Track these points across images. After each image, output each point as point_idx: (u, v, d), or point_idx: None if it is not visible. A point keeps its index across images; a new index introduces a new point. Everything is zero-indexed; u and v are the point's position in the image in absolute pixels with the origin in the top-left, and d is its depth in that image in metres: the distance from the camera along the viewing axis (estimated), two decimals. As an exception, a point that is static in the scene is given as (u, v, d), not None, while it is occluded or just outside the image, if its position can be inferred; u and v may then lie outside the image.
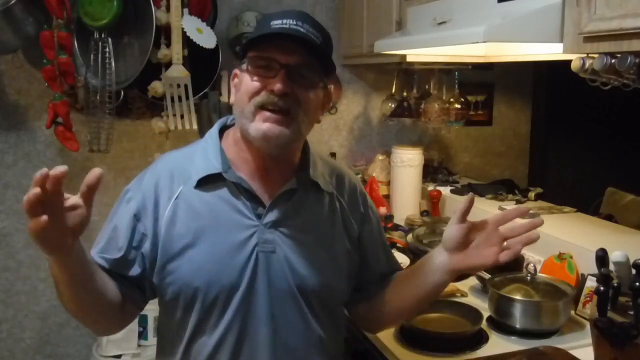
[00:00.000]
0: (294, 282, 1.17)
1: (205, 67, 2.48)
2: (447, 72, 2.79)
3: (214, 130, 1.25)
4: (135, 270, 1.18)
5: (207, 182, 1.17)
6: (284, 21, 1.10)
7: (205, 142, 1.24)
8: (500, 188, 2.60)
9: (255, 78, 1.12)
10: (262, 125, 1.10)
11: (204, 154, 1.21)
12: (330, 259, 1.22)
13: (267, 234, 1.16)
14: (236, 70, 1.19)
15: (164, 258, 1.15)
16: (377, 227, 1.38)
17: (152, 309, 2.48)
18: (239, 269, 1.14)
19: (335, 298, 1.26)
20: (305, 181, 1.22)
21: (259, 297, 1.15)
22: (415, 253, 2.14)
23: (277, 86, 1.09)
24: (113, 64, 2.34)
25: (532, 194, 2.47)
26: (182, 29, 2.34)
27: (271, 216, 1.17)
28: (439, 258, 1.19)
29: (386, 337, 1.60)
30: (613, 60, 1.32)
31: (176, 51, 2.33)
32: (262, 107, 1.10)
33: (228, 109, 2.18)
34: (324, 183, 1.25)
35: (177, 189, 1.18)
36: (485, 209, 2.36)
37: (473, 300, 1.83)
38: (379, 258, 1.35)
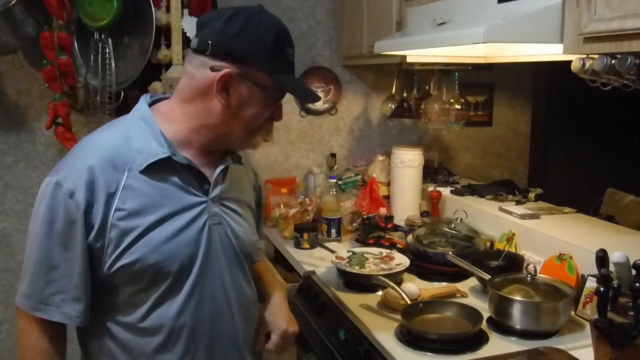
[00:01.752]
0: (238, 246, 1.33)
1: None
2: (447, 73, 2.79)
3: (146, 112, 1.26)
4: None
5: (153, 166, 1.20)
6: (292, 53, 1.26)
7: (137, 124, 1.24)
8: (500, 189, 2.60)
9: (269, 109, 1.26)
10: (253, 146, 1.35)
11: (142, 137, 1.22)
12: (250, 223, 1.40)
13: (213, 207, 1.27)
14: (232, 73, 1.19)
15: (121, 245, 1.18)
16: (261, 195, 1.59)
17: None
18: (195, 241, 1.24)
19: (254, 253, 1.47)
20: (234, 157, 1.36)
21: (214, 263, 1.27)
22: (415, 254, 2.14)
23: (281, 117, 1.31)
24: (113, 64, 2.34)
25: (532, 195, 2.47)
26: (182, 29, 2.34)
27: (216, 191, 1.28)
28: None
29: (386, 337, 1.60)
30: (613, 61, 1.32)
31: (176, 52, 2.34)
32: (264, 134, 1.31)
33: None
34: (244, 157, 1.43)
35: (122, 177, 1.18)
36: (486, 209, 2.36)
37: (473, 301, 1.83)
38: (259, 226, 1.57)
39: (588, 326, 1.55)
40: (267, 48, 1.19)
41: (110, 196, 1.17)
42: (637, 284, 1.24)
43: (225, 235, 1.30)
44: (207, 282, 1.27)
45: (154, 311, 1.23)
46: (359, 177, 2.91)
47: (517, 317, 1.60)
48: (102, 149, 1.20)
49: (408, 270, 2.02)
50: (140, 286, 1.22)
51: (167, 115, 1.25)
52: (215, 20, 1.20)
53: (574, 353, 1.47)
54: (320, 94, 2.90)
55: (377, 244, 2.34)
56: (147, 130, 1.22)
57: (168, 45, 2.36)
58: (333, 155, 2.95)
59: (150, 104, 1.29)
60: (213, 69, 1.19)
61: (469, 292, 1.92)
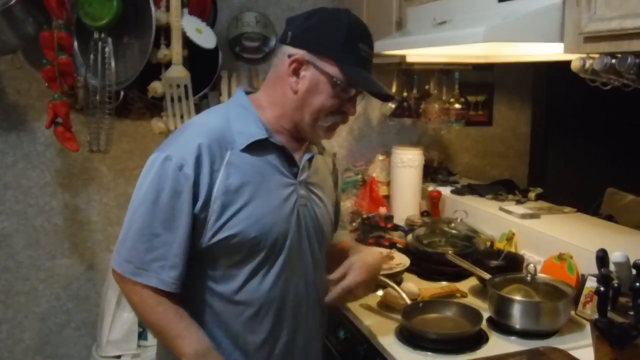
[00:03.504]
0: (320, 228, 1.45)
1: (205, 68, 2.48)
2: (447, 73, 2.79)
3: (244, 100, 1.39)
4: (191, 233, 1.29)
5: (252, 147, 1.32)
6: (367, 50, 1.33)
7: (237, 110, 1.37)
8: (500, 188, 2.60)
9: (337, 100, 1.33)
10: (324, 135, 1.41)
11: (243, 121, 1.34)
12: (329, 211, 1.51)
13: (301, 190, 1.40)
14: (303, 58, 1.30)
15: (222, 218, 1.28)
16: (339, 189, 1.69)
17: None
18: (287, 218, 1.36)
19: (330, 240, 1.57)
20: (318, 148, 1.52)
21: (302, 241, 1.40)
22: (415, 253, 2.14)
23: (353, 111, 1.38)
24: (113, 64, 2.33)
25: (532, 194, 2.47)
26: (182, 29, 2.33)
27: (303, 176, 1.40)
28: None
29: (386, 337, 1.60)
30: (613, 61, 1.32)
31: (176, 51, 2.33)
32: (333, 125, 1.38)
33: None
34: (326, 151, 1.59)
35: (225, 154, 1.30)
36: (486, 209, 2.36)
37: (473, 301, 1.83)
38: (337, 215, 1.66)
39: (588, 326, 1.55)
40: (338, 39, 1.29)
41: (215, 171, 1.28)
42: (637, 284, 1.24)
43: (310, 217, 1.41)
44: (296, 259, 1.38)
45: (248, 284, 1.33)
46: (359, 176, 2.91)
47: (517, 316, 1.60)
48: (208, 130, 1.31)
49: (408, 270, 2.03)
50: (237, 259, 1.31)
51: (258, 104, 1.38)
52: (300, 16, 1.35)
53: (574, 353, 1.47)
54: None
55: (377, 243, 2.34)
56: (246, 115, 1.36)
57: (168, 45, 2.35)
58: (333, 155, 2.95)
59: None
60: (289, 56, 1.31)
61: (468, 292, 1.92)
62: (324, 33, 1.31)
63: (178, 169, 1.25)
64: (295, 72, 1.31)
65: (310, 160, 1.43)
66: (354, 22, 1.33)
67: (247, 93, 1.43)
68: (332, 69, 1.30)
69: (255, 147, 1.33)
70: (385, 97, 1.44)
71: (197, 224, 1.29)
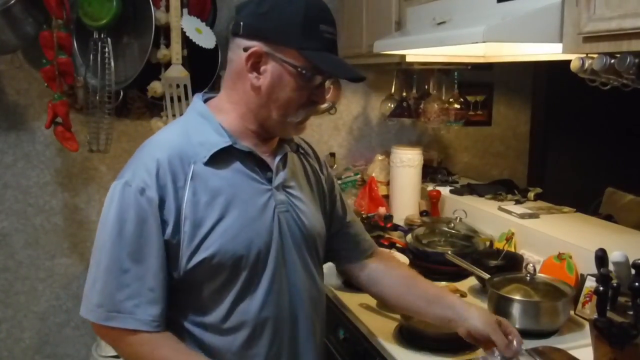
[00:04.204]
0: (306, 232, 1.31)
1: (204, 67, 2.48)
2: (446, 72, 2.79)
3: (201, 107, 1.26)
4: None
5: (217, 157, 1.20)
6: (330, 30, 1.22)
7: (195, 119, 1.25)
8: (499, 188, 2.60)
9: (304, 91, 1.20)
10: (295, 131, 1.29)
11: (202, 131, 1.22)
12: (316, 209, 1.38)
13: (279, 195, 1.27)
14: (261, 50, 1.17)
15: (196, 239, 1.16)
16: (333, 180, 1.54)
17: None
18: (268, 228, 1.24)
19: (323, 243, 1.42)
20: (291, 146, 1.35)
21: (288, 251, 1.27)
22: (415, 253, 2.14)
23: (323, 99, 1.26)
24: (112, 64, 2.34)
25: (531, 194, 2.47)
26: (182, 29, 2.34)
27: (279, 179, 1.28)
28: (470, 322, 1.35)
29: (386, 337, 1.60)
30: (612, 61, 1.32)
31: (175, 51, 2.33)
32: (303, 119, 1.25)
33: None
34: (300, 146, 1.43)
35: (189, 170, 1.18)
36: (485, 209, 2.37)
37: (472, 300, 1.83)
38: (341, 206, 1.53)
39: (587, 325, 1.55)
40: (297, 24, 1.16)
41: (180, 188, 1.16)
42: (637, 284, 1.24)
43: (294, 223, 1.29)
44: (285, 271, 1.27)
45: (236, 308, 1.21)
46: (358, 176, 2.91)
47: (516, 316, 1.60)
48: (165, 147, 1.19)
49: (407, 269, 2.02)
50: (220, 281, 1.19)
51: (218, 108, 1.26)
52: (250, 3, 1.20)
53: (573, 352, 1.47)
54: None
55: (377, 243, 2.33)
56: (205, 124, 1.23)
57: (167, 45, 2.35)
58: (332, 155, 2.95)
59: (204, 101, 1.30)
60: (245, 49, 1.18)
61: (468, 292, 1.92)
62: (280, 19, 1.16)
63: (139, 193, 1.14)
64: (255, 67, 1.18)
65: (284, 160, 1.31)
66: (311, 1, 1.19)
67: (207, 99, 1.30)
68: (295, 58, 1.17)
69: (221, 157, 1.20)
70: (357, 80, 1.26)
71: (171, 250, 1.16)
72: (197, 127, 1.23)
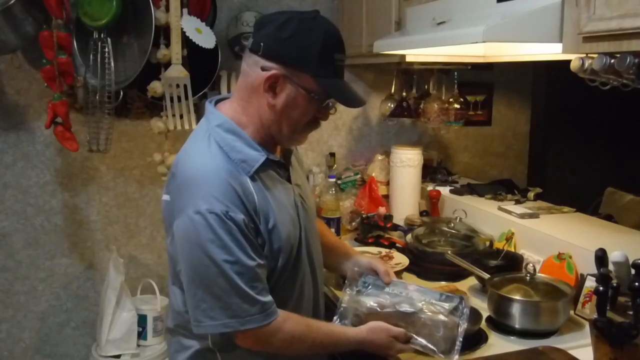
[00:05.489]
0: (310, 213, 1.51)
1: (204, 67, 2.48)
2: (446, 72, 2.79)
3: (228, 123, 1.33)
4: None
5: (257, 170, 1.33)
6: (343, 58, 1.33)
7: (226, 137, 1.32)
8: (499, 188, 2.60)
9: (311, 112, 1.34)
10: (298, 143, 1.46)
11: (238, 149, 1.31)
12: (310, 189, 1.60)
13: (296, 189, 1.45)
14: (279, 73, 1.27)
15: (273, 243, 1.33)
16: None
17: (150, 309, 2.50)
18: (296, 221, 1.41)
19: None
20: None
21: (310, 235, 1.48)
22: (415, 253, 2.14)
23: (326, 118, 1.42)
24: (112, 64, 2.33)
25: (531, 194, 2.48)
26: (182, 29, 2.33)
27: (293, 178, 1.46)
28: (355, 259, 1.69)
29: (385, 337, 1.60)
30: (612, 60, 1.32)
31: (175, 51, 2.33)
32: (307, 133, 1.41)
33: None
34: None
35: (247, 182, 1.29)
36: (485, 209, 2.37)
37: (472, 300, 1.82)
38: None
39: (587, 325, 1.55)
40: (315, 53, 1.26)
41: (249, 202, 1.28)
42: (636, 283, 1.24)
43: (304, 209, 1.46)
44: (312, 254, 1.48)
45: (286, 299, 1.39)
46: (358, 176, 2.91)
47: (516, 316, 1.60)
48: (218, 170, 1.27)
49: (407, 269, 2.03)
50: (284, 277, 1.38)
51: (237, 119, 1.35)
52: (271, 23, 1.28)
53: (573, 352, 1.47)
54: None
55: (377, 243, 2.34)
56: (237, 140, 1.32)
57: (167, 45, 2.35)
58: (332, 155, 2.95)
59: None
60: (263, 69, 1.28)
61: (468, 292, 1.92)
62: (300, 47, 1.26)
63: (228, 219, 1.23)
64: (272, 88, 1.29)
65: (288, 158, 1.48)
66: (329, 31, 1.29)
67: (217, 101, 1.41)
68: (310, 84, 1.29)
69: (259, 169, 1.33)
70: (357, 104, 1.43)
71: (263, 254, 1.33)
72: (231, 145, 1.31)
